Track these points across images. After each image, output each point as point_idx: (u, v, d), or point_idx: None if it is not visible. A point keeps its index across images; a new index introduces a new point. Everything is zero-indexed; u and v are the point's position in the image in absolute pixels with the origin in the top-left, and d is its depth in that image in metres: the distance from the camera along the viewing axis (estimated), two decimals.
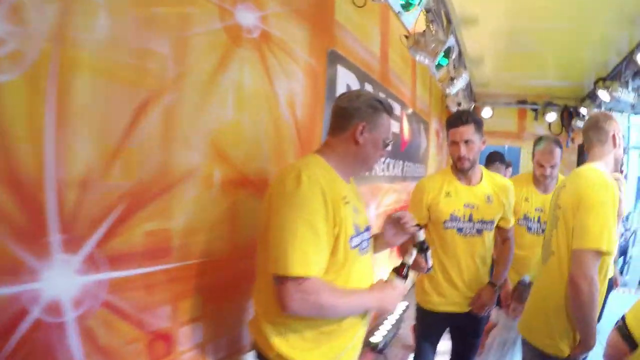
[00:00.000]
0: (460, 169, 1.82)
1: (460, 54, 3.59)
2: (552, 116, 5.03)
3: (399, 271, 1.20)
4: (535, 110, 5.15)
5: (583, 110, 4.87)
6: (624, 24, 3.04)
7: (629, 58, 3.43)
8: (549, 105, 4.95)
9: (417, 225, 1.28)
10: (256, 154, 1.50)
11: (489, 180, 1.89)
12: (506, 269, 1.97)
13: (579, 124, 5.06)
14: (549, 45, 3.64)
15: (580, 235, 1.36)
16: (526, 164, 5.21)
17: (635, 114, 5.01)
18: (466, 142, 1.75)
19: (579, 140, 5.36)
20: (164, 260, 1.12)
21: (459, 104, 4.30)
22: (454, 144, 1.79)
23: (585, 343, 1.40)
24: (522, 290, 2.08)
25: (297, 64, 1.73)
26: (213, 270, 1.30)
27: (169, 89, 1.09)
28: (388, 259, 3.12)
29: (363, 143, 1.17)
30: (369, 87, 2.48)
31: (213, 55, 1.25)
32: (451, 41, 2.75)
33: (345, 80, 2.18)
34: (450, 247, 1.82)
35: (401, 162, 3.38)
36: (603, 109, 4.58)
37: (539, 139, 2.35)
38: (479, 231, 1.82)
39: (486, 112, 5.21)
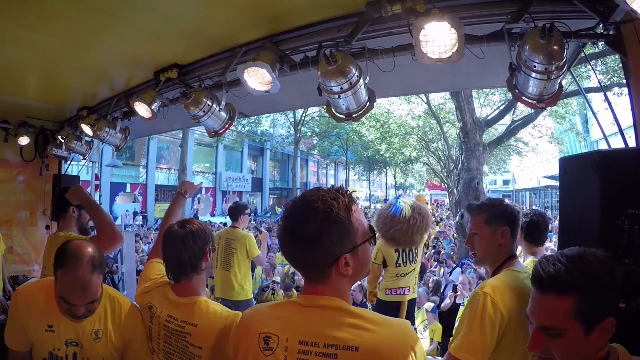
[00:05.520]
0: None
1: None
2: (25, 140, 4.12)
3: None
4: (6, 130, 4.02)
5: (61, 137, 4.38)
6: (126, 66, 3.06)
7: (123, 96, 3.46)
8: (24, 126, 4.02)
9: None
10: None
11: None
12: None
13: (56, 151, 4.54)
14: (35, 60, 2.91)
15: None
16: None
17: None
18: None
19: (54, 168, 4.82)
20: None
21: None
22: None
23: None
24: None
25: None
26: None
27: None
28: None
29: None
30: None
31: None
32: None
33: None
34: None
35: None
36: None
37: None
38: None
39: None
